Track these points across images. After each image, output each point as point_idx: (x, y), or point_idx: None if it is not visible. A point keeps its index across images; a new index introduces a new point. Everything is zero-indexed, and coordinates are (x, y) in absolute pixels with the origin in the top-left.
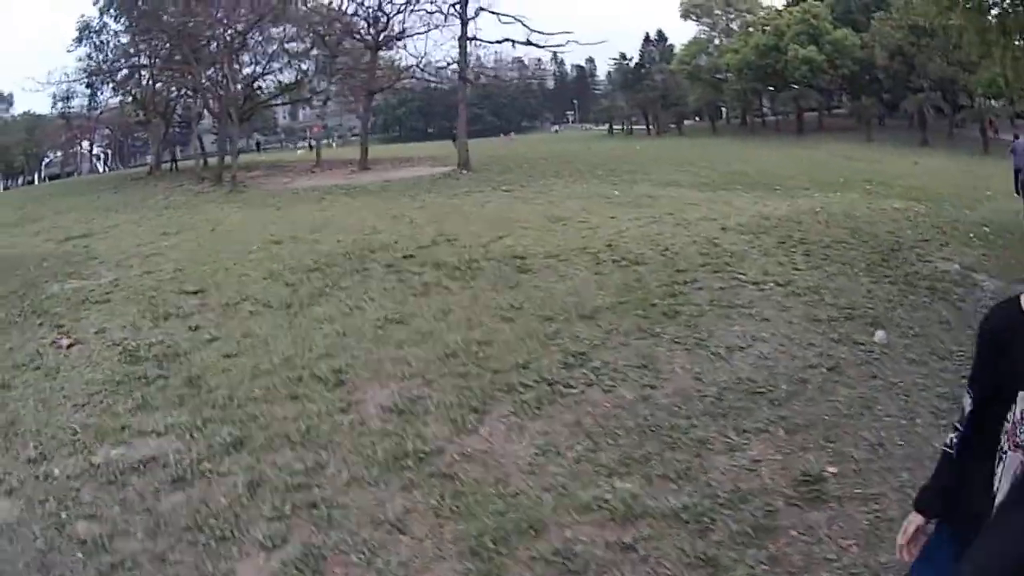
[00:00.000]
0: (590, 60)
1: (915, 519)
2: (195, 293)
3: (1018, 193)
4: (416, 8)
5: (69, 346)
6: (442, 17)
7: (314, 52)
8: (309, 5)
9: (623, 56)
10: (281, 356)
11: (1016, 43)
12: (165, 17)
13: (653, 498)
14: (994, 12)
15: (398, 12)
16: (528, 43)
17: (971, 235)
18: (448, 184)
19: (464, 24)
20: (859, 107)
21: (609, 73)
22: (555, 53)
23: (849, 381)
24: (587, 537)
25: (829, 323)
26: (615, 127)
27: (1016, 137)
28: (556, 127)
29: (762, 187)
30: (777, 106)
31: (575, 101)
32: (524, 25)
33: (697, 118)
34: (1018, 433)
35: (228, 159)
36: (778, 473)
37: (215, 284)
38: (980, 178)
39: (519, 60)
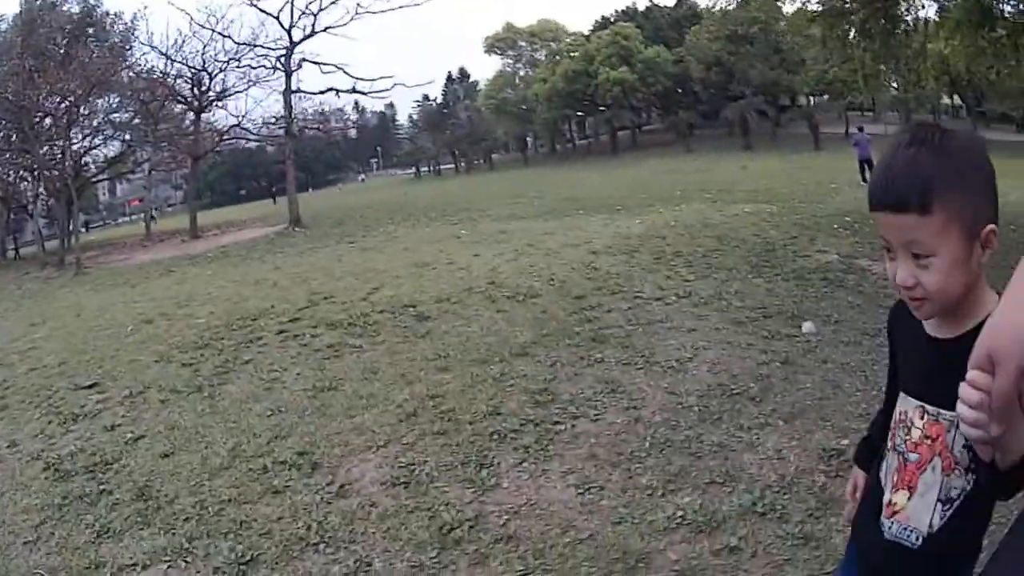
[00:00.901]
0: (390, 105)
1: (859, 475)
2: (91, 387)
3: (864, 182)
4: (240, 65)
5: None
6: (264, 72)
7: (136, 121)
8: (134, 72)
9: (426, 97)
10: (226, 447)
11: (875, 47)
12: (1, 98)
13: (718, 503)
14: (855, 19)
15: (220, 71)
16: (354, 91)
17: (835, 226)
18: (288, 243)
19: (288, 77)
20: (675, 121)
21: (410, 116)
22: (356, 102)
23: (806, 368)
24: (691, 553)
25: (752, 323)
26: (422, 169)
27: (860, 129)
28: (362, 176)
29: (604, 209)
30: (588, 129)
31: (378, 148)
32: (347, 73)
33: (503, 151)
34: (896, 435)
35: (70, 241)
36: (803, 456)
37: (108, 374)
38: (819, 174)
39: (321, 112)
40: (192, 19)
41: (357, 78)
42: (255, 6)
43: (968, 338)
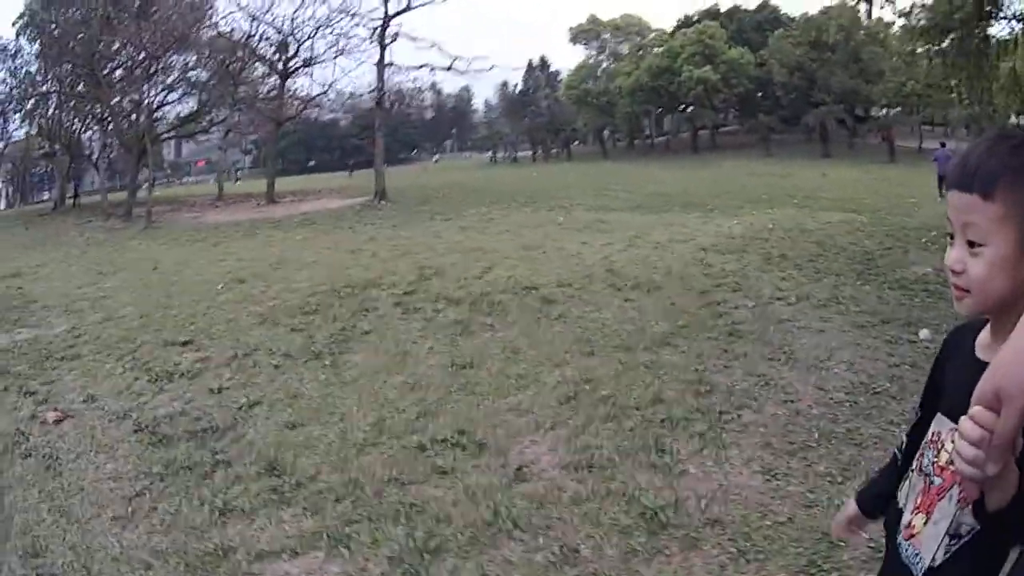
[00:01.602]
0: (467, 88)
1: (852, 509)
2: (184, 344)
3: (942, 197)
4: (332, 32)
5: (57, 421)
6: (354, 42)
7: (213, 81)
8: (218, 31)
9: (505, 83)
10: (366, 421)
11: (969, 65)
12: (73, 45)
13: None
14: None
15: (308, 37)
16: (451, 68)
17: (923, 240)
18: (376, 216)
19: (382, 49)
20: (757, 123)
21: (486, 101)
22: (434, 83)
23: None
24: (878, 533)
25: (873, 328)
26: (498, 155)
27: (942, 145)
28: (437, 156)
29: (696, 207)
30: (668, 126)
31: (454, 130)
32: (442, 51)
33: (578, 142)
34: (924, 455)
35: (136, 193)
36: None
37: (203, 332)
38: (897, 186)
39: (399, 90)
40: None
41: (454, 56)
42: None
43: None
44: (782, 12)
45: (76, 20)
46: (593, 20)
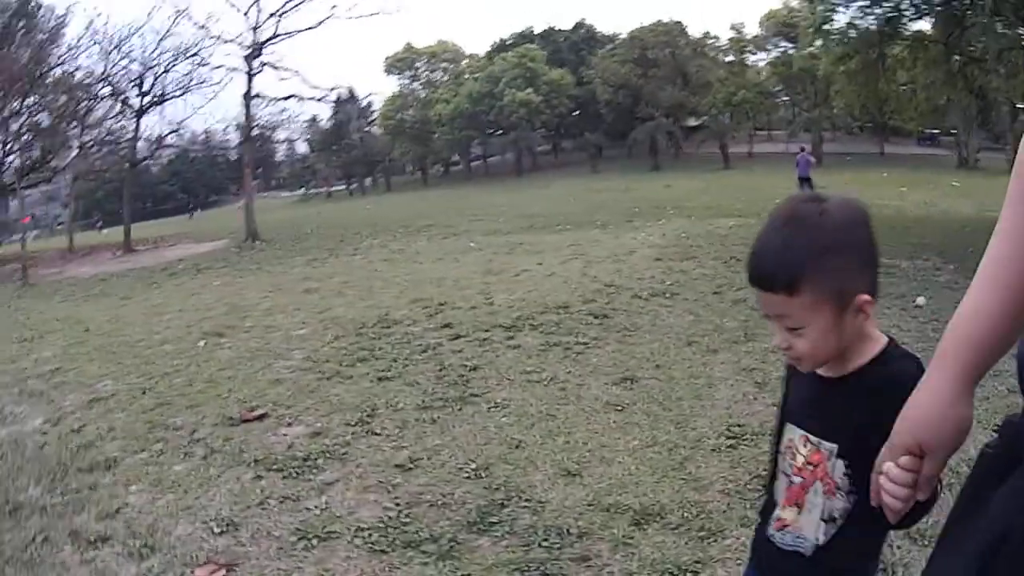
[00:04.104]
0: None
1: None
2: (261, 419)
3: None
4: (193, 62)
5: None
6: (219, 73)
7: (61, 125)
8: (68, 69)
9: (314, 118)
10: (642, 439)
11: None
12: None
13: None
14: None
15: (166, 71)
16: (322, 100)
17: None
18: (266, 256)
19: (250, 79)
20: (584, 141)
21: (287, 137)
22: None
23: (936, 328)
24: None
25: (883, 300)
26: (311, 191)
27: (802, 149)
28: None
29: (585, 225)
30: (490, 151)
31: (260, 169)
32: (306, 81)
33: (392, 174)
34: (784, 460)
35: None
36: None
37: (258, 398)
38: (750, 191)
39: (206, 131)
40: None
41: (315, 86)
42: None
43: (851, 378)
44: (598, 31)
45: None
46: (409, 48)
